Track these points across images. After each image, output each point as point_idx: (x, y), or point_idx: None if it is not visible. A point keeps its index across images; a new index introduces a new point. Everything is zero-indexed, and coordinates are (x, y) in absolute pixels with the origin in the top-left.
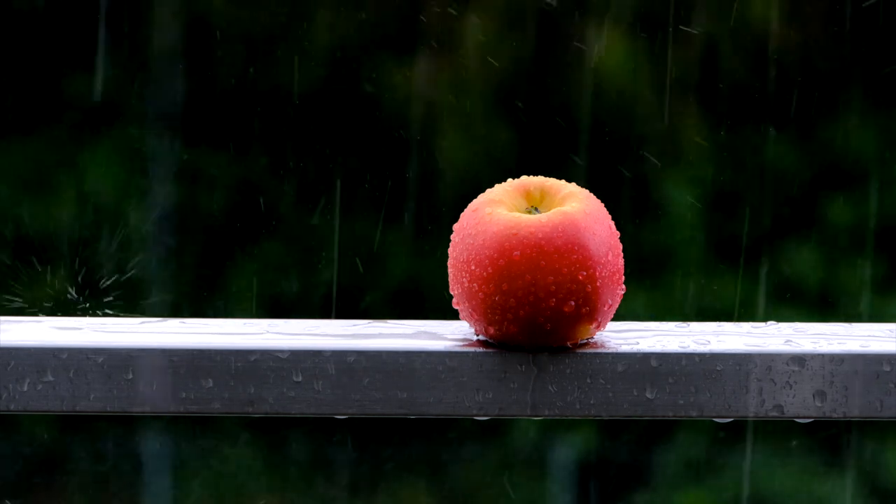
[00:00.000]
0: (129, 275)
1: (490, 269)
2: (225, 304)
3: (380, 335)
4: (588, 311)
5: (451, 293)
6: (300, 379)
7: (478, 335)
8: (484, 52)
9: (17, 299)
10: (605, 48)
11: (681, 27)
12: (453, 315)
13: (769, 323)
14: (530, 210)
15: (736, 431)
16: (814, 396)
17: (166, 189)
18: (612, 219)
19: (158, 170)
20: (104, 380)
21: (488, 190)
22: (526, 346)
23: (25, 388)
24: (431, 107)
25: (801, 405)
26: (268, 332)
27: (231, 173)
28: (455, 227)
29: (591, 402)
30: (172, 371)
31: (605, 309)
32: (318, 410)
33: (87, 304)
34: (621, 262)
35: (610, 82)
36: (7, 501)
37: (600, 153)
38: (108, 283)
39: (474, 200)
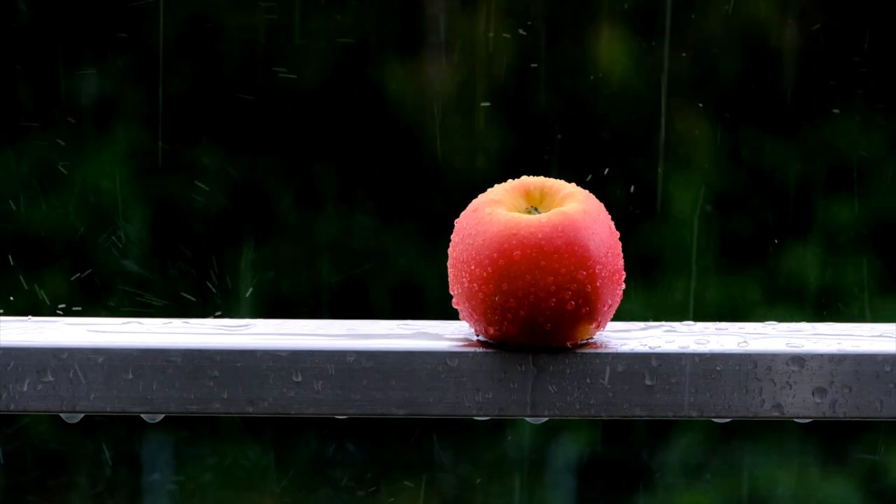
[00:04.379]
0: (128, 274)
1: (490, 269)
2: (225, 303)
3: (380, 335)
4: (588, 311)
5: (451, 293)
6: (300, 379)
7: (478, 335)
8: (485, 52)
9: (16, 299)
10: (606, 48)
11: (681, 27)
12: (453, 315)
13: (769, 323)
14: (530, 210)
15: (736, 431)
16: (814, 396)
17: (166, 188)
18: (612, 219)
19: (158, 168)
20: (104, 380)
21: (488, 190)
22: (526, 346)
23: (25, 388)
24: (432, 107)
25: (801, 405)
26: (268, 332)
27: (231, 172)
28: (455, 227)
29: (591, 402)
30: (172, 371)
31: (605, 309)
32: (318, 410)
33: (87, 304)
34: (621, 262)
35: (610, 82)
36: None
37: (601, 153)
38: (108, 282)
39: (474, 200)
